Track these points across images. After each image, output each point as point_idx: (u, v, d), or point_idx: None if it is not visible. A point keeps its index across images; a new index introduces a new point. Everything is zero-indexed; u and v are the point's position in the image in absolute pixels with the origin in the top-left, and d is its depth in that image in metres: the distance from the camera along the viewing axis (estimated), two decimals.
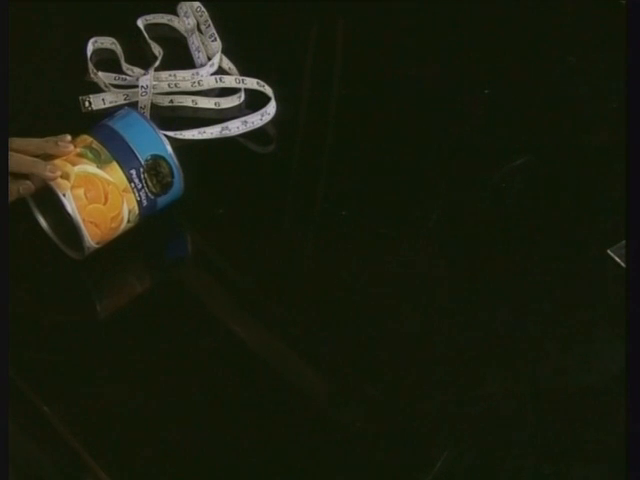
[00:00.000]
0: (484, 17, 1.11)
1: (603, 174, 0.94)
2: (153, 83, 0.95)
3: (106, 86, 0.96)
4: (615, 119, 0.97)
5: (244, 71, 1.00)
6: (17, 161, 0.75)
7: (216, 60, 1.00)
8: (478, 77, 1.04)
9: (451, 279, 0.84)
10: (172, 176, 0.81)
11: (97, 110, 0.95)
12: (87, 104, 0.95)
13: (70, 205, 0.75)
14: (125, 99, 0.96)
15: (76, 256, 0.80)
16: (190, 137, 0.92)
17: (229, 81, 0.99)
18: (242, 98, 0.98)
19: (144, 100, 0.94)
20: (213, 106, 0.97)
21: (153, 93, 0.95)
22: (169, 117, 0.95)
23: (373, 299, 0.82)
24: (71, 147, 0.77)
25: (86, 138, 0.79)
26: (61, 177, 0.75)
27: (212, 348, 0.77)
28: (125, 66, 0.99)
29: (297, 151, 0.97)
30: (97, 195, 0.76)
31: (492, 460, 0.72)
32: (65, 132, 0.78)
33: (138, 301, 0.83)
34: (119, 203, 0.78)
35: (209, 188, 0.89)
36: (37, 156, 0.76)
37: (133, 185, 0.78)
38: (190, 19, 1.04)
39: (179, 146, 0.83)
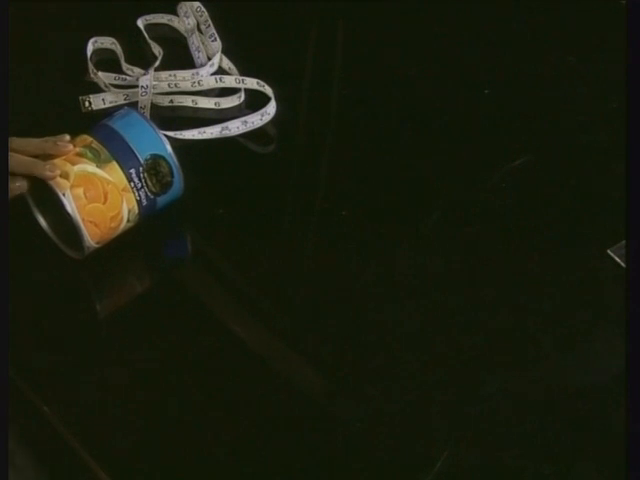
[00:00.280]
0: (484, 17, 1.11)
1: (603, 174, 0.94)
2: (153, 83, 0.95)
3: (106, 86, 0.96)
4: (615, 119, 0.97)
5: (244, 71, 1.00)
6: (16, 161, 0.75)
7: (216, 60, 1.00)
8: (478, 77, 1.04)
9: (451, 279, 0.84)
10: (172, 176, 0.81)
11: (97, 110, 0.95)
12: (87, 104, 0.95)
13: (70, 205, 0.75)
14: (125, 99, 0.96)
15: (76, 256, 0.80)
16: (190, 137, 0.92)
17: (229, 81, 0.99)
18: (242, 98, 0.98)
19: (144, 100, 0.94)
20: (213, 106, 0.97)
21: (153, 93, 0.95)
22: (169, 117, 0.95)
23: (373, 299, 0.82)
24: (70, 147, 0.77)
25: (86, 138, 0.79)
26: (61, 176, 0.75)
27: (212, 348, 0.77)
28: (125, 66, 0.99)
29: (297, 151, 0.97)
30: (96, 194, 0.76)
31: (492, 460, 0.72)
32: (65, 132, 0.78)
33: (138, 301, 0.83)
34: (119, 202, 0.78)
35: (209, 188, 0.89)
36: (36, 156, 0.76)
37: (133, 184, 0.78)
38: (190, 19, 1.04)
39: (179, 146, 0.83)
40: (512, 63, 1.06)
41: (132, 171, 0.78)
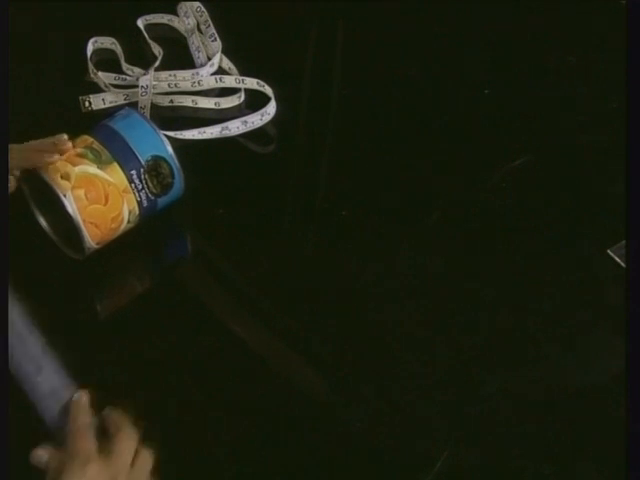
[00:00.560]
0: (484, 17, 1.11)
1: (603, 174, 0.94)
2: (153, 83, 0.95)
3: (106, 86, 0.96)
4: (615, 119, 0.97)
5: (244, 71, 1.00)
6: (22, 157, 0.75)
7: (216, 60, 1.00)
8: (478, 77, 1.04)
9: (451, 279, 0.84)
10: (172, 177, 0.81)
11: (97, 110, 0.95)
12: (87, 104, 0.95)
13: (70, 206, 0.75)
14: (125, 99, 0.96)
15: (76, 256, 0.80)
16: (190, 137, 0.92)
17: (229, 81, 0.99)
18: (242, 98, 0.98)
19: (144, 100, 0.94)
20: (213, 106, 0.97)
21: (153, 93, 0.95)
22: (169, 117, 0.95)
23: (373, 299, 0.82)
24: (69, 144, 0.77)
25: (87, 138, 0.79)
26: (62, 177, 0.75)
27: (212, 348, 0.77)
28: (125, 66, 0.99)
29: (297, 151, 0.97)
30: (97, 196, 0.76)
31: (492, 460, 0.72)
32: (65, 132, 0.78)
33: (138, 301, 0.83)
34: (119, 204, 0.78)
35: (209, 188, 0.89)
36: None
37: (133, 186, 0.78)
38: (190, 19, 1.04)
39: (179, 146, 0.83)
40: (512, 63, 1.06)
41: (133, 172, 0.78)
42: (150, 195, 0.80)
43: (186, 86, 0.97)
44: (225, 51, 1.01)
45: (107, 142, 0.78)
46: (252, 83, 0.98)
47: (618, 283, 0.82)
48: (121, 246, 0.81)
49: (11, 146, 0.75)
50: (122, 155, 0.78)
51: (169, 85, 0.96)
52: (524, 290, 0.83)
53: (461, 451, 0.71)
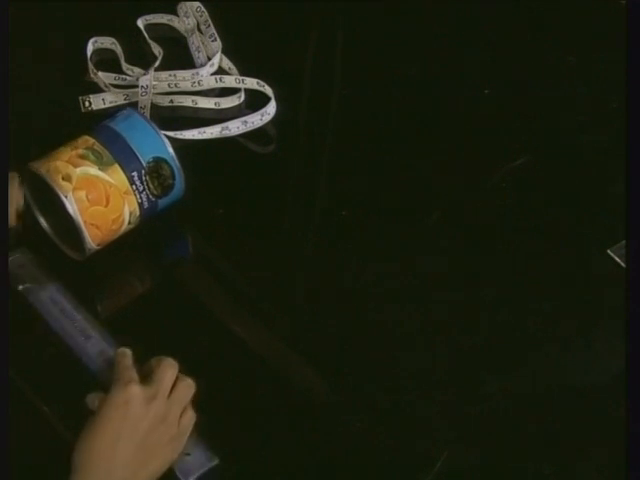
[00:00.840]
0: (484, 17, 1.11)
1: (603, 174, 0.94)
2: (153, 83, 0.95)
3: (106, 86, 0.96)
4: (615, 119, 0.97)
5: (244, 71, 1.00)
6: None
7: (216, 60, 1.00)
8: (478, 77, 1.04)
9: (451, 279, 0.84)
10: (173, 178, 0.81)
11: (97, 110, 0.95)
12: (87, 104, 0.95)
13: (72, 207, 0.75)
14: (125, 99, 0.96)
15: (77, 257, 0.80)
16: (190, 137, 0.92)
17: (229, 81, 0.99)
18: (242, 98, 0.98)
19: (144, 100, 0.94)
20: (213, 106, 0.97)
21: (153, 93, 0.95)
22: (169, 117, 0.95)
23: (373, 299, 0.82)
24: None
25: (87, 139, 0.79)
26: (63, 179, 0.75)
27: (212, 348, 0.77)
28: (125, 66, 0.99)
29: (297, 151, 0.97)
30: (98, 197, 0.76)
31: (492, 460, 0.72)
32: (65, 132, 0.78)
33: (138, 301, 0.83)
34: (120, 205, 0.78)
35: (209, 188, 0.89)
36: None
37: (134, 187, 0.78)
38: (190, 19, 1.04)
39: (179, 146, 0.83)
40: (512, 63, 1.06)
41: (134, 174, 0.78)
42: (151, 196, 0.80)
43: (186, 86, 0.97)
44: (225, 51, 1.01)
45: (108, 143, 0.78)
46: (252, 83, 0.98)
47: (618, 283, 0.82)
48: (121, 246, 0.81)
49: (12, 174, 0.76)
50: (123, 156, 0.78)
51: (169, 85, 0.96)
52: (524, 290, 0.83)
53: (461, 451, 0.71)
